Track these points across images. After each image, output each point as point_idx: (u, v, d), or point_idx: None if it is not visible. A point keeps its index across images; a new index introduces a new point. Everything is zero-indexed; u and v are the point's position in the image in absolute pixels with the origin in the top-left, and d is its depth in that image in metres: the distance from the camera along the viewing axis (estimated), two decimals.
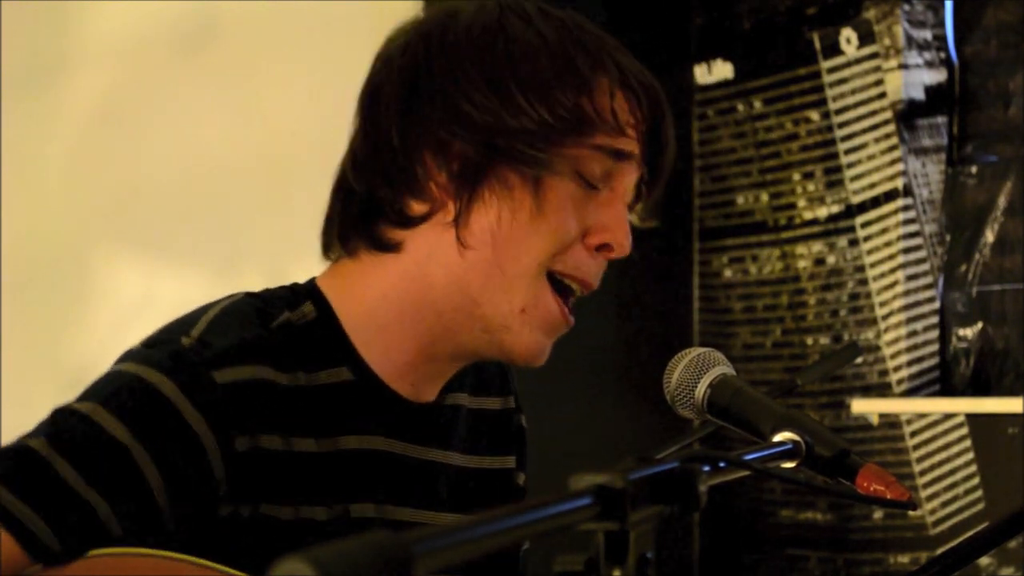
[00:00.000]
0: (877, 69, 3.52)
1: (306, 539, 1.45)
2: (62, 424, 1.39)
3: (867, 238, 3.54)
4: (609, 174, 1.52)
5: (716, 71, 3.76)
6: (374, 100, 1.55)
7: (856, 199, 3.55)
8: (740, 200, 3.73)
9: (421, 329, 1.53)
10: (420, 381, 1.56)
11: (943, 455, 3.42)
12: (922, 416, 3.44)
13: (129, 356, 1.45)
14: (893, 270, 3.50)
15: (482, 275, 1.50)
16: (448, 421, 1.60)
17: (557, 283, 1.53)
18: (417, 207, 1.51)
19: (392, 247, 1.52)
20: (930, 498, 3.41)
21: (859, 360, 3.46)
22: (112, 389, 1.41)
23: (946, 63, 3.51)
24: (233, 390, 1.42)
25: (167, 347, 1.44)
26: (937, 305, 3.49)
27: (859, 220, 3.55)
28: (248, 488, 1.43)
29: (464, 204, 1.49)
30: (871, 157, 3.53)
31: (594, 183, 1.51)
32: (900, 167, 3.49)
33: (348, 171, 1.56)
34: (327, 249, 1.58)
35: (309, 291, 1.54)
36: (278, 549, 1.41)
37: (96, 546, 1.35)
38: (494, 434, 1.68)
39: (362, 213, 1.54)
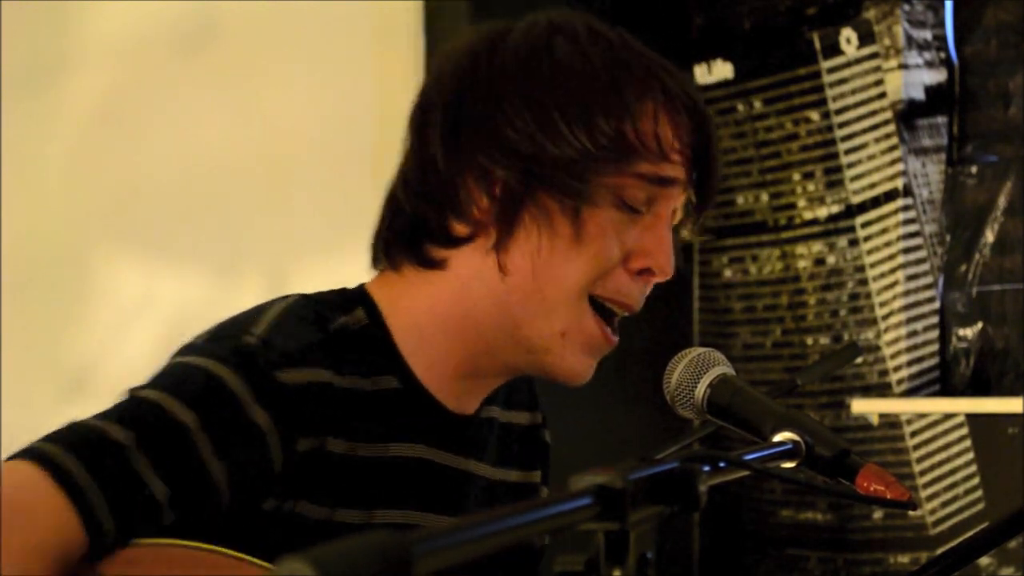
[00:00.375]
0: (877, 69, 3.52)
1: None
2: (135, 410, 1.40)
3: (867, 238, 3.54)
4: (652, 198, 1.52)
5: (716, 71, 3.76)
6: (423, 120, 1.55)
7: (856, 199, 3.55)
8: (740, 200, 3.73)
9: (464, 345, 1.54)
10: (462, 394, 1.58)
11: (943, 455, 3.42)
12: (922, 416, 3.44)
13: (193, 349, 1.46)
14: (893, 270, 3.50)
15: (522, 299, 1.51)
16: (484, 433, 1.62)
17: (599, 306, 1.53)
18: (460, 228, 1.53)
19: (436, 264, 1.54)
20: (930, 498, 3.41)
21: (859, 360, 3.45)
22: (181, 380, 1.42)
23: (946, 63, 3.51)
24: (297, 391, 1.43)
25: (232, 343, 1.45)
26: (937, 305, 3.49)
27: (859, 220, 3.55)
28: (298, 486, 1.44)
29: (504, 231, 1.50)
30: (871, 157, 3.53)
31: (637, 207, 1.51)
32: (900, 167, 3.49)
33: (398, 188, 1.57)
34: (375, 261, 1.59)
35: (360, 296, 1.56)
36: (308, 547, 1.43)
37: (146, 533, 1.36)
38: (522, 448, 1.70)
39: (408, 230, 1.55)
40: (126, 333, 3.65)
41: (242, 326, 1.47)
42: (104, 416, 1.40)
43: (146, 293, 3.70)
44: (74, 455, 1.35)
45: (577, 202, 1.49)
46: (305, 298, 1.53)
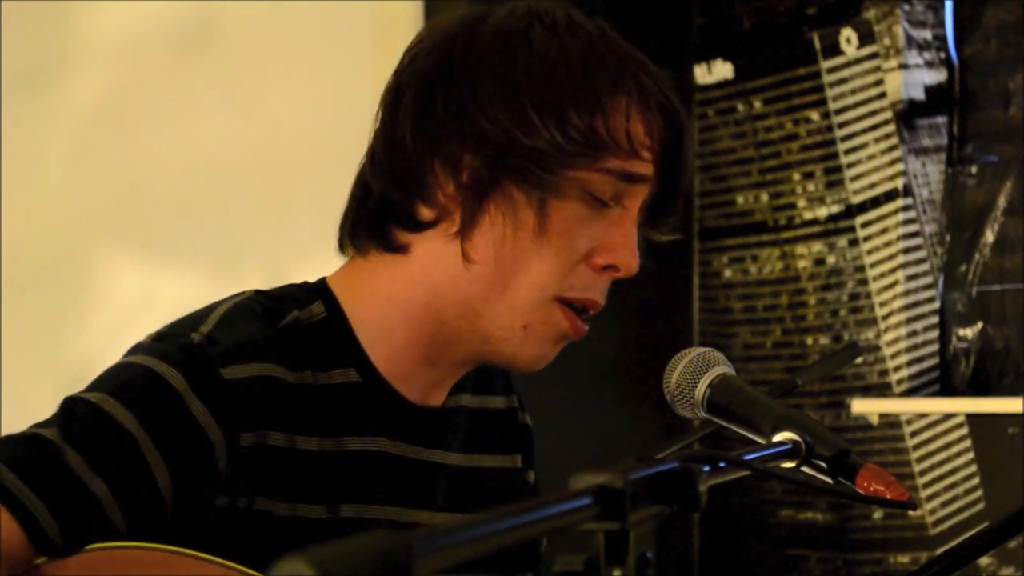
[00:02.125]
0: (877, 69, 3.52)
1: (301, 536, 1.46)
2: (73, 414, 1.40)
3: (867, 238, 3.54)
4: (620, 194, 1.51)
5: (716, 71, 3.76)
6: (395, 100, 1.54)
7: (856, 199, 3.55)
8: (740, 200, 3.73)
9: (424, 334, 1.53)
10: (426, 385, 1.56)
11: (943, 455, 3.42)
12: (922, 416, 3.44)
13: (139, 348, 1.46)
14: (893, 270, 3.50)
15: (485, 289, 1.50)
16: (451, 423, 1.61)
17: (567, 303, 1.52)
18: (426, 213, 1.51)
19: (399, 249, 1.53)
20: (930, 498, 3.41)
21: (859, 360, 3.45)
22: (122, 380, 1.42)
23: (946, 63, 3.51)
24: (240, 387, 1.43)
25: (177, 341, 1.44)
26: (937, 305, 3.49)
27: (859, 220, 3.55)
28: (248, 482, 1.44)
29: (468, 217, 1.49)
30: (871, 157, 3.53)
31: (604, 200, 1.50)
32: (900, 167, 3.49)
33: (367, 168, 1.56)
34: (342, 245, 1.58)
35: (319, 290, 1.55)
36: (272, 545, 1.42)
37: (96, 538, 1.36)
38: (499, 433, 1.68)
39: (375, 212, 1.54)
40: (126, 333, 3.63)
41: (189, 324, 1.47)
42: (40, 423, 1.40)
43: (146, 293, 3.70)
44: (6, 463, 1.35)
45: (543, 193, 1.47)
46: (258, 294, 1.52)
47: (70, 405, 1.41)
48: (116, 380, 1.42)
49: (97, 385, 1.43)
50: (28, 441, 1.37)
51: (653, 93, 1.51)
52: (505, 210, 1.49)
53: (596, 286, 1.52)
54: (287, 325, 1.49)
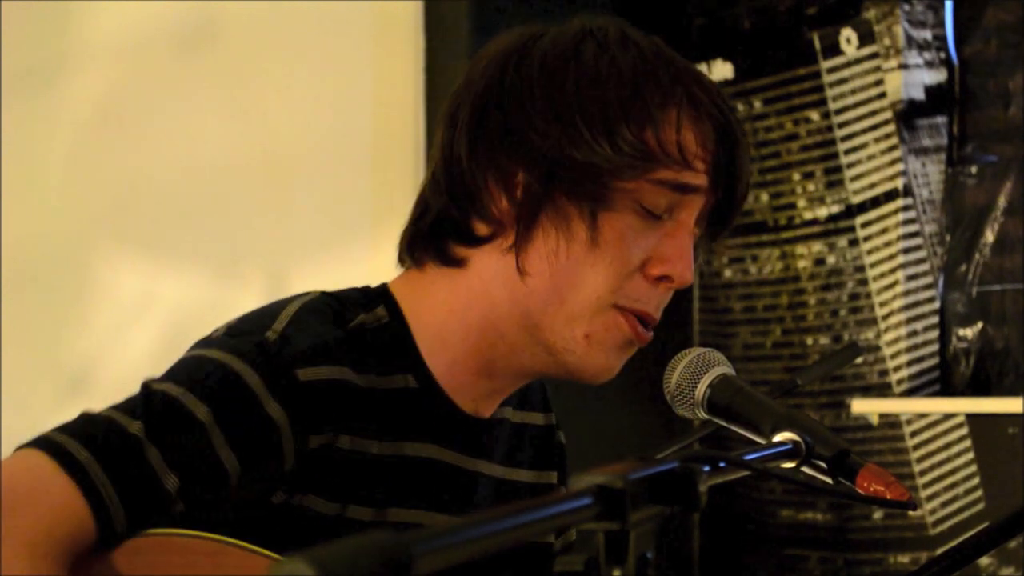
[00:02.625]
0: (877, 69, 3.52)
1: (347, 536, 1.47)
2: (154, 406, 1.41)
3: (867, 238, 3.54)
4: (673, 205, 1.52)
5: (716, 71, 3.76)
6: (452, 122, 1.56)
7: (856, 199, 3.55)
8: None
9: (484, 346, 1.55)
10: (480, 397, 1.58)
11: (943, 455, 3.42)
12: (922, 416, 3.44)
13: (213, 343, 1.47)
14: (893, 270, 3.50)
15: (541, 301, 1.52)
16: (495, 434, 1.62)
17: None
18: (481, 228, 1.54)
19: (458, 263, 1.55)
20: (930, 498, 3.41)
21: (859, 360, 3.45)
22: (200, 375, 1.43)
23: (946, 63, 3.51)
24: (313, 388, 1.44)
25: (252, 338, 1.46)
26: (937, 305, 3.49)
27: (859, 220, 3.55)
28: (308, 482, 1.45)
29: (522, 232, 1.51)
30: (871, 157, 3.53)
31: (657, 213, 1.51)
32: (900, 167, 3.49)
33: (428, 185, 1.58)
34: (401, 259, 1.61)
35: (382, 295, 1.57)
36: (318, 542, 1.43)
37: (156, 524, 1.37)
38: (538, 449, 1.70)
39: (433, 227, 1.56)
40: (126, 333, 3.65)
41: (262, 321, 1.48)
42: (118, 408, 1.41)
43: (146, 293, 3.70)
44: (86, 446, 1.36)
45: (594, 206, 1.49)
46: (326, 295, 1.54)
47: (149, 395, 1.42)
48: (195, 374, 1.43)
49: (175, 377, 1.44)
50: (111, 429, 1.38)
51: (704, 104, 1.53)
52: (558, 223, 1.50)
53: (651, 298, 1.53)
54: (356, 328, 1.51)
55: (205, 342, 1.48)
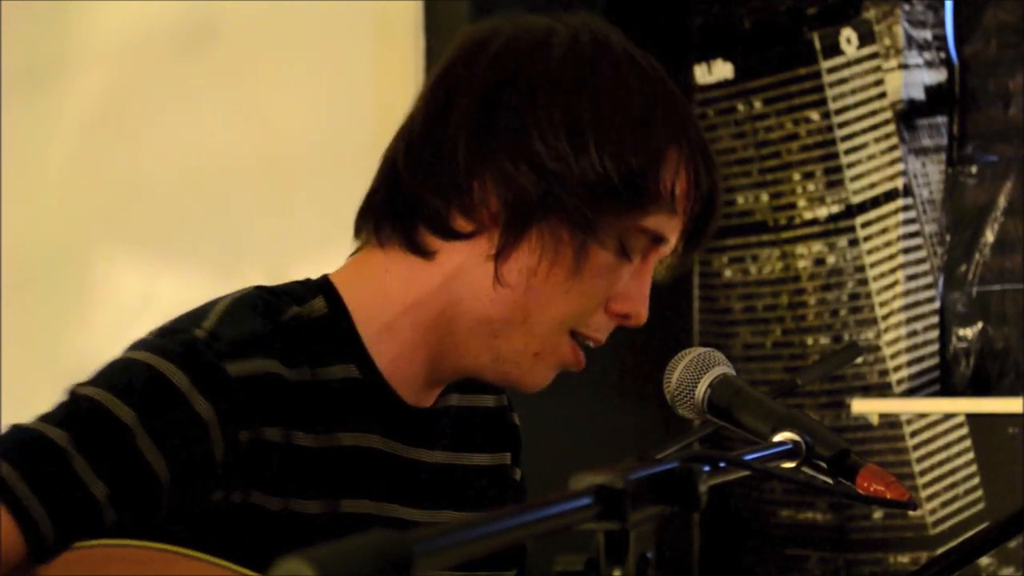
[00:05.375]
0: (877, 69, 3.52)
1: (293, 531, 1.46)
2: (77, 413, 1.39)
3: (867, 238, 3.54)
4: (647, 250, 1.53)
5: (716, 71, 3.76)
6: (446, 101, 1.52)
7: (856, 199, 3.55)
8: (740, 200, 3.73)
9: (432, 341, 1.54)
10: (421, 388, 1.57)
11: (943, 455, 3.42)
12: (922, 416, 3.44)
13: (141, 344, 1.46)
14: (893, 270, 3.50)
15: (506, 311, 1.51)
16: (438, 424, 1.61)
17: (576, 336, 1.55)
18: (463, 224, 1.51)
19: (425, 253, 1.52)
20: (930, 498, 3.42)
21: (859, 360, 3.45)
22: (125, 377, 1.42)
23: (946, 63, 3.51)
24: (242, 383, 1.42)
25: (179, 337, 1.44)
26: (937, 305, 3.49)
27: (859, 220, 3.55)
28: (243, 478, 1.44)
29: (509, 240, 1.49)
30: (871, 157, 3.53)
31: (631, 256, 1.52)
32: (900, 167, 3.49)
33: (400, 159, 1.53)
34: (358, 232, 1.57)
35: (320, 286, 1.54)
36: (265, 539, 1.43)
37: (88, 534, 1.35)
38: (489, 431, 1.68)
39: (405, 210, 1.52)
40: (126, 333, 3.63)
41: (192, 320, 1.46)
42: (45, 417, 1.39)
43: (146, 293, 3.70)
44: (8, 461, 1.34)
45: (586, 236, 1.48)
46: (259, 289, 1.51)
47: (74, 402, 1.40)
48: (120, 377, 1.42)
49: (100, 381, 1.42)
50: (34, 441, 1.37)
51: (699, 146, 1.53)
52: (546, 242, 1.49)
53: (605, 329, 1.55)
54: (288, 320, 1.48)
55: (135, 344, 1.46)
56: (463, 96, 1.51)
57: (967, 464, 3.38)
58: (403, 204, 1.52)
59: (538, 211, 1.48)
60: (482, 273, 1.50)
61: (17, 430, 1.39)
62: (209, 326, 1.45)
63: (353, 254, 1.59)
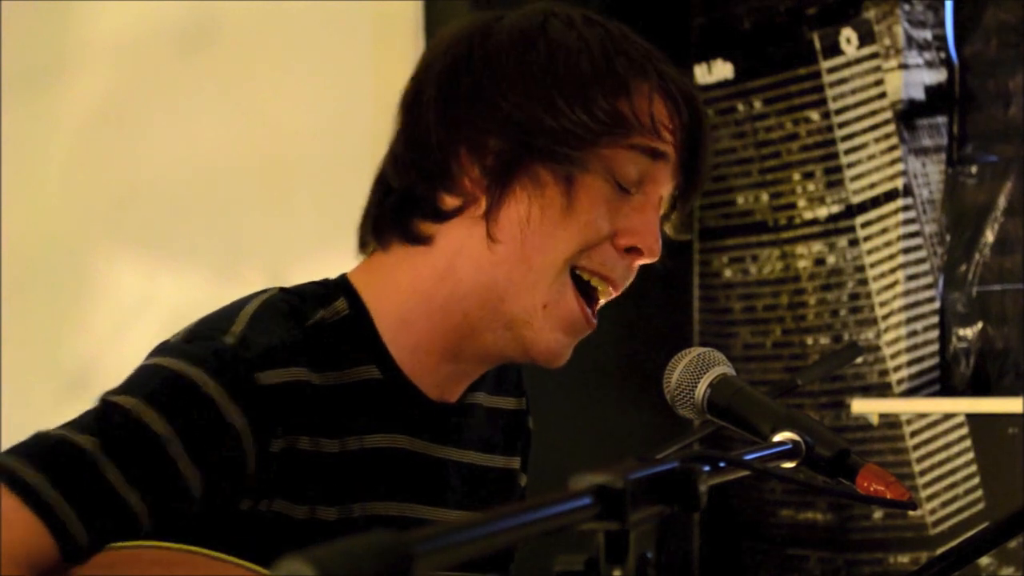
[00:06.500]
0: (877, 69, 3.52)
1: (317, 538, 1.46)
2: (108, 421, 1.39)
3: (867, 238, 3.54)
4: (643, 178, 1.53)
5: (716, 71, 3.76)
6: (415, 101, 1.56)
7: (856, 199, 3.55)
8: (740, 200, 3.73)
9: (448, 327, 1.54)
10: (445, 382, 1.57)
11: (943, 455, 3.42)
12: (922, 416, 3.44)
13: (170, 350, 1.45)
14: (893, 270, 3.50)
15: (508, 269, 1.51)
16: (465, 420, 1.61)
17: (582, 285, 1.54)
18: (450, 201, 1.53)
19: (423, 240, 1.54)
20: (930, 498, 3.41)
21: (859, 360, 3.45)
22: (154, 384, 1.42)
23: (946, 63, 3.51)
24: (274, 392, 1.43)
25: (208, 344, 1.44)
26: (937, 305, 3.49)
27: (859, 220, 3.55)
28: (273, 486, 1.44)
29: (495, 198, 1.51)
30: (871, 157, 3.53)
31: (627, 186, 1.52)
32: (900, 167, 3.49)
33: (388, 169, 1.57)
34: (363, 244, 1.60)
35: (341, 286, 1.55)
36: (289, 547, 1.43)
37: (122, 538, 1.36)
38: (507, 434, 1.69)
39: (397, 207, 1.55)
40: (126, 333, 3.65)
41: (219, 324, 1.46)
42: (74, 424, 1.39)
43: (146, 293, 3.70)
44: (39, 469, 1.35)
45: (570, 169, 1.49)
46: (283, 292, 1.52)
47: (105, 410, 1.40)
48: (150, 385, 1.42)
49: (130, 388, 1.42)
50: (65, 448, 1.37)
51: (674, 80, 1.54)
52: (532, 189, 1.51)
53: (616, 266, 1.54)
54: (314, 325, 1.49)
55: (163, 349, 1.46)
56: (428, 86, 1.54)
57: (967, 464, 3.38)
58: (395, 202, 1.55)
59: (516, 163, 1.50)
60: (478, 242, 1.52)
61: (45, 436, 1.38)
62: (239, 332, 1.45)
63: (360, 265, 1.61)
